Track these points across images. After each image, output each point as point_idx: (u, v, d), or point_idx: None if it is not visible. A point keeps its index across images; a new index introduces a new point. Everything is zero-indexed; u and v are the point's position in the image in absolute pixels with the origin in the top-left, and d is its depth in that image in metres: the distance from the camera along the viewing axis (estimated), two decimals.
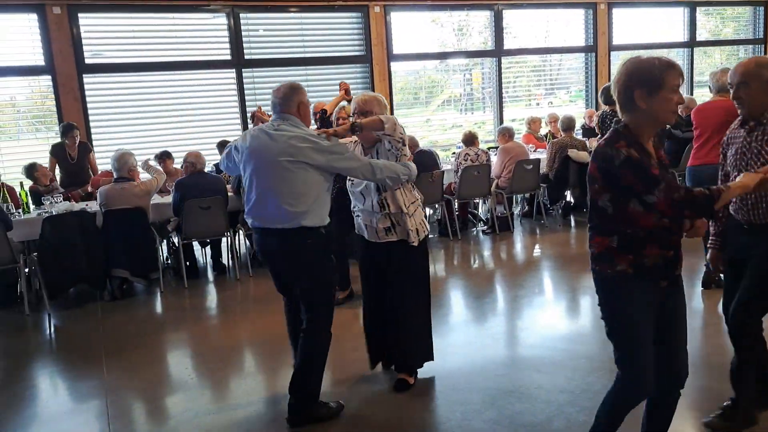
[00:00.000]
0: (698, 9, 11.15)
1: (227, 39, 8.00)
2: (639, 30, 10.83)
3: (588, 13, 10.22)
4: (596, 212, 2.21)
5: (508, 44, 9.85)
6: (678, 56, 11.37)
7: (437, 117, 10.16)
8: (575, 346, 4.01)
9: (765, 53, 11.64)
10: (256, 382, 3.87)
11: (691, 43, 11.20)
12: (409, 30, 9.24)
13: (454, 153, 8.43)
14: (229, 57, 8.04)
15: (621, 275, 2.17)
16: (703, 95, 11.59)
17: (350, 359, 3.90)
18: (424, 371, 3.65)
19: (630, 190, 2.07)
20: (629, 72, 2.09)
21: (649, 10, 10.79)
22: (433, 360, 3.61)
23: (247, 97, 8.13)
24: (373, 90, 8.73)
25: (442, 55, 9.70)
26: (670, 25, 11.16)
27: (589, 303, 4.88)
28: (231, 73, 8.09)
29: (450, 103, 10.40)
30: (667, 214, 2.07)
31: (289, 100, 3.09)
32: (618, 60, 10.98)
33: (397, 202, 3.28)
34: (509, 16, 9.81)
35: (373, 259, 3.46)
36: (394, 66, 9.10)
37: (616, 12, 10.40)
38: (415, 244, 3.32)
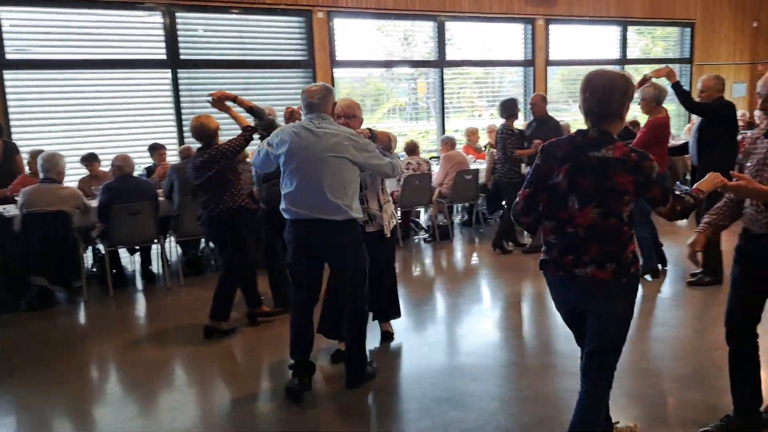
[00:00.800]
0: (630, 28, 11.60)
1: (162, 38, 7.73)
2: (575, 46, 11.16)
3: (527, 28, 10.45)
4: (621, 223, 2.27)
5: (451, 55, 9.95)
6: None
7: (383, 125, 10.14)
8: (508, 354, 4.04)
9: (691, 72, 12.22)
10: (183, 395, 3.68)
11: (623, 61, 11.63)
12: (354, 37, 9.20)
13: None
14: (164, 57, 7.76)
15: (639, 274, 2.38)
16: (633, 110, 12.05)
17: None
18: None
19: (650, 200, 2.30)
20: (625, 85, 2.26)
21: (585, 28, 11.14)
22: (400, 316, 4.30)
23: (182, 99, 7.86)
24: None
25: (387, 64, 9.69)
26: (604, 42, 11.56)
27: (522, 311, 4.92)
28: (166, 74, 7.81)
29: (395, 111, 10.42)
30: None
31: (326, 100, 3.39)
32: (555, 75, 11.29)
33: (375, 200, 3.81)
34: (452, 27, 9.92)
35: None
36: (339, 72, 9.03)
37: (553, 28, 10.68)
38: (388, 235, 3.88)
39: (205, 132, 4.39)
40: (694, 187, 2.43)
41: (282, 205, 3.39)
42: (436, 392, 3.47)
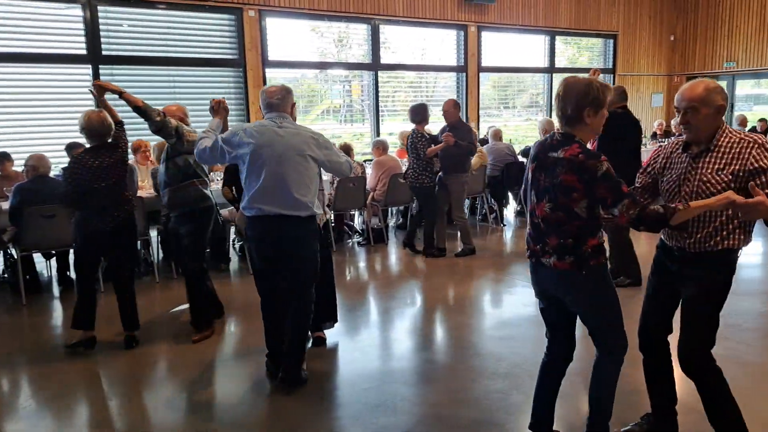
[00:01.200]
0: (557, 38, 12.00)
1: (83, 32, 7.35)
2: (506, 53, 11.43)
3: (460, 34, 10.62)
4: (572, 218, 2.43)
5: (386, 58, 9.98)
6: (539, 81, 12.16)
7: (317, 126, 10.04)
8: (440, 357, 4.04)
9: (614, 81, 12.76)
10: (101, 408, 3.47)
11: (551, 69, 12.01)
12: (287, 37, 9.06)
13: None
14: (84, 52, 7.38)
15: (605, 265, 2.52)
16: None
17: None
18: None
19: (600, 200, 2.38)
20: (586, 90, 2.39)
21: (515, 36, 11.43)
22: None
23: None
24: (247, 96, 8.45)
25: (320, 65, 9.61)
26: (533, 51, 11.90)
27: (454, 314, 4.96)
28: (86, 69, 7.43)
29: (329, 113, 10.34)
30: (622, 224, 2.38)
31: (286, 100, 3.51)
32: (487, 81, 11.53)
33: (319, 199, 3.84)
34: (386, 30, 9.96)
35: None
36: (271, 72, 8.87)
37: (485, 35, 10.91)
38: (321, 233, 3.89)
39: (105, 129, 4.09)
40: (691, 203, 2.35)
41: (244, 203, 3.45)
42: (368, 398, 3.42)
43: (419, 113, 6.42)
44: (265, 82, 8.67)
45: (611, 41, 12.70)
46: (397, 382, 3.63)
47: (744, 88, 13.36)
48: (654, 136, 11.66)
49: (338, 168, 3.65)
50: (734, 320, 4.43)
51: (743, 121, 11.02)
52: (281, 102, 3.48)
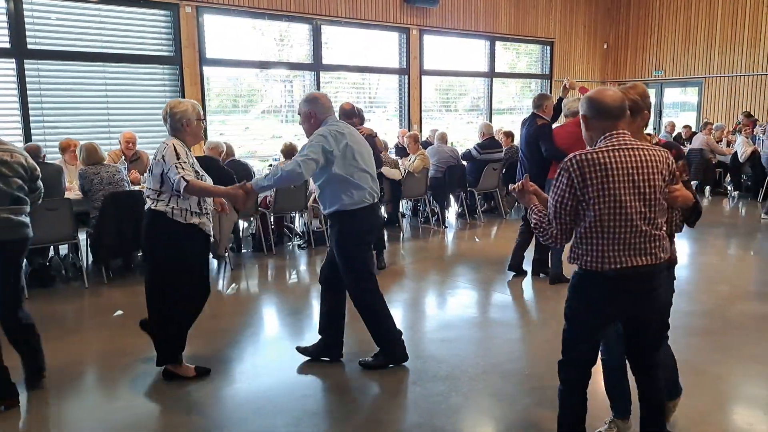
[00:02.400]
0: (497, 43, 12.24)
1: (6, 24, 6.96)
2: (449, 57, 11.58)
3: (402, 36, 10.68)
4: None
5: (328, 59, 9.91)
6: (480, 84, 12.37)
7: (257, 125, 9.87)
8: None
9: (550, 87, 13.13)
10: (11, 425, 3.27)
11: (491, 74, 12.24)
12: (226, 34, 8.87)
13: (271, 165, 8.21)
14: (8, 45, 6.99)
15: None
16: (501, 121, 12.73)
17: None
18: (229, 394, 3.43)
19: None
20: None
21: (456, 40, 11.59)
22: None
23: (30, 93, 7.13)
24: (183, 94, 8.20)
25: (260, 64, 9.44)
26: (474, 55, 12.10)
27: (396, 316, 4.95)
28: (10, 64, 7.04)
29: (270, 112, 10.18)
30: None
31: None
32: (430, 83, 11.62)
33: None
34: (328, 31, 9.90)
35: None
36: (209, 70, 8.66)
37: (427, 38, 11.01)
38: None
39: None
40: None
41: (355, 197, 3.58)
42: (306, 405, 3.36)
43: (349, 115, 6.26)
44: (202, 81, 8.46)
45: (548, 48, 13.06)
46: (337, 388, 3.59)
47: (671, 95, 14.00)
48: None
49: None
50: None
51: (672, 128, 11.52)
52: (331, 108, 3.70)
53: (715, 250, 6.90)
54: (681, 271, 6.08)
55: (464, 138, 12.01)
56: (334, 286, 3.85)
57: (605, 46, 14.03)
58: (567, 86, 5.90)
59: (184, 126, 3.46)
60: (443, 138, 8.48)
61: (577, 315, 2.48)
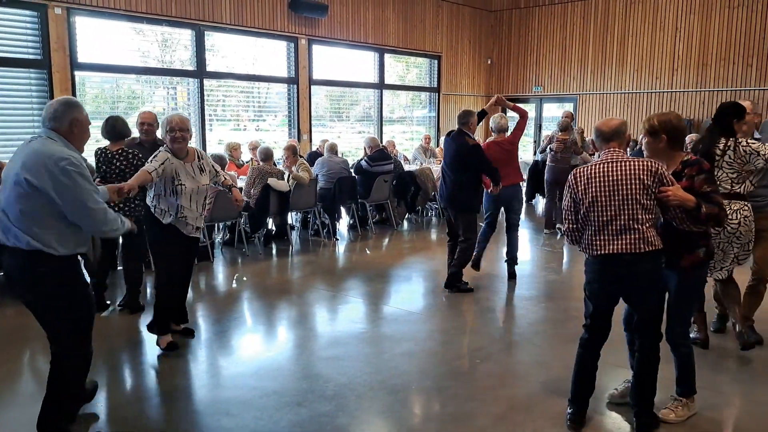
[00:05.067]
0: (386, 55, 12.41)
1: None
2: (338, 67, 11.57)
3: (290, 46, 10.54)
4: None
5: (214, 65, 9.58)
6: (371, 94, 12.48)
7: (137, 132, 9.32)
8: (266, 383, 3.86)
9: (439, 99, 13.51)
10: None
11: (381, 85, 12.39)
12: (102, 37, 8.31)
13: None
14: None
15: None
16: (392, 131, 12.92)
17: None
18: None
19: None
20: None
21: (346, 51, 11.62)
22: None
23: None
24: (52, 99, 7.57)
25: (139, 70, 8.94)
26: (364, 66, 12.19)
27: (283, 334, 4.83)
28: None
29: None
30: None
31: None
32: (323, 92, 11.56)
33: None
34: (213, 37, 9.57)
35: None
36: (82, 75, 8.07)
37: (316, 48, 10.94)
38: None
39: None
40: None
41: None
42: (189, 427, 3.17)
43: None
44: (74, 85, 7.87)
45: (436, 61, 13.43)
46: (219, 413, 3.41)
47: (550, 110, 14.85)
48: None
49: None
50: (541, 327, 4.82)
51: (550, 141, 12.16)
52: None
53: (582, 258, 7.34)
54: (559, 278, 6.42)
55: (356, 147, 12.04)
56: None
57: (489, 62, 14.64)
58: (495, 103, 6.09)
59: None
60: (333, 149, 8.44)
61: (586, 289, 3.22)
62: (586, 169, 3.06)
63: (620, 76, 12.91)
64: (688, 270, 3.14)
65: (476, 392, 3.66)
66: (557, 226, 8.41)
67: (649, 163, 2.95)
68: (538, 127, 14.63)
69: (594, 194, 2.98)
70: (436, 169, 9.52)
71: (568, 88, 13.71)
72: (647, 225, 2.94)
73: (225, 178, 4.59)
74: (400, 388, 3.72)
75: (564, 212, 3.17)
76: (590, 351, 3.22)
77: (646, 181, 2.92)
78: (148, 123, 5.57)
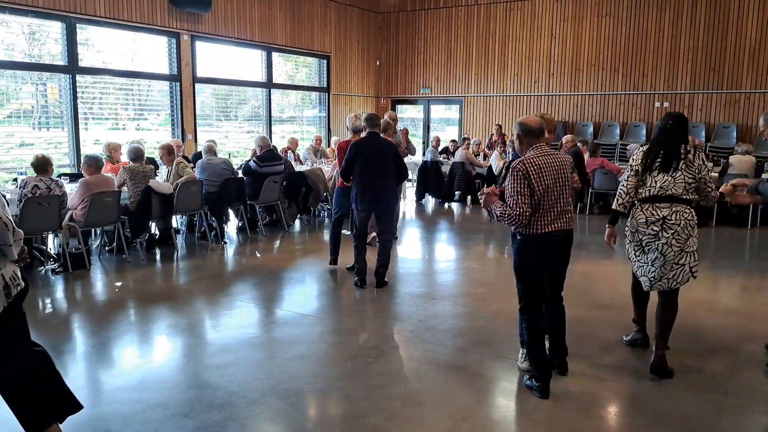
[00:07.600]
0: (274, 54, 12.21)
1: None
2: (224, 65, 11.23)
3: (171, 41, 10.09)
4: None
5: (88, 60, 8.96)
6: (260, 93, 12.23)
7: (2, 131, 8.53)
8: (150, 395, 3.65)
9: (329, 100, 13.49)
10: None
11: (269, 84, 12.18)
12: None
13: (15, 180, 7.14)
14: None
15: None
16: (282, 131, 12.73)
17: None
18: None
19: None
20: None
21: (231, 48, 11.30)
22: None
23: None
24: None
25: (3, 64, 8.18)
26: (251, 64, 11.92)
27: (168, 343, 4.60)
28: None
29: (20, 116, 8.86)
30: None
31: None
32: (210, 90, 11.16)
33: None
34: (86, 31, 8.95)
35: None
36: None
37: (200, 45, 10.56)
38: None
39: None
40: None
41: None
42: None
43: None
44: None
45: (325, 61, 13.40)
46: (99, 429, 3.19)
47: (437, 111, 15.31)
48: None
49: None
50: (431, 323, 4.94)
51: (437, 142, 12.48)
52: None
53: (476, 255, 7.64)
54: (447, 275, 6.62)
55: (245, 147, 11.74)
56: None
57: (378, 63, 14.83)
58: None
59: None
60: (211, 150, 8.15)
61: (521, 269, 3.66)
62: (532, 160, 3.49)
63: (502, 79, 13.55)
64: None
65: (369, 391, 3.68)
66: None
67: (567, 157, 3.68)
68: (426, 128, 15.03)
69: (547, 183, 3.47)
70: (327, 169, 9.50)
71: (454, 90, 14.20)
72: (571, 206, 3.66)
73: None
74: (292, 392, 3.66)
75: (519, 197, 3.45)
76: (539, 319, 3.69)
77: (568, 171, 3.61)
78: None
